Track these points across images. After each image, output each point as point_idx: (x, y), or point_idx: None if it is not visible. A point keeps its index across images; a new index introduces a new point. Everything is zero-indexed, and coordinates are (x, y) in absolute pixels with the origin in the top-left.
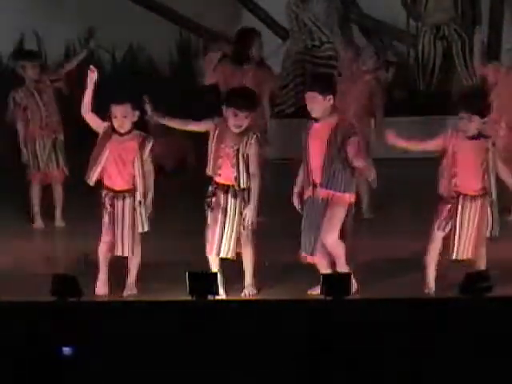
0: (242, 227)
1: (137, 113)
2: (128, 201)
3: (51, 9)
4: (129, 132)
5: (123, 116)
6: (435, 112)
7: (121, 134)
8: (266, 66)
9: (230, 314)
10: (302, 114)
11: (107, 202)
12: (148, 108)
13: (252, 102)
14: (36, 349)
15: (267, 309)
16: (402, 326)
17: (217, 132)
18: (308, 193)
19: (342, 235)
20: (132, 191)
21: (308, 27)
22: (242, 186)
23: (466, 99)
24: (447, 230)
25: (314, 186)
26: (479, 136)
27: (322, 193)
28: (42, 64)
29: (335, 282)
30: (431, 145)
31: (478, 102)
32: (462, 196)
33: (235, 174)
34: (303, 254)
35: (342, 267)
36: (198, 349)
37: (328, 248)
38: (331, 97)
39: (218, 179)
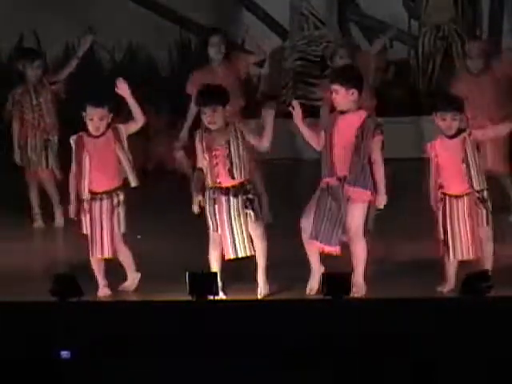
0: (250, 221)
1: (111, 115)
2: (105, 202)
3: (51, 9)
4: (103, 134)
5: (100, 119)
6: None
7: (95, 137)
8: (232, 58)
9: (230, 314)
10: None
11: (85, 206)
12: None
13: (212, 96)
14: (36, 349)
15: (267, 309)
16: (402, 325)
17: (204, 142)
18: (330, 182)
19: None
20: (110, 192)
21: (305, 17)
22: (236, 177)
23: (446, 99)
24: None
25: (338, 178)
26: (457, 133)
27: (349, 190)
28: (43, 65)
29: (335, 282)
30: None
31: (456, 99)
32: (447, 197)
33: (228, 166)
34: (320, 243)
35: (358, 278)
36: (197, 349)
37: (351, 244)
38: (355, 90)
39: (218, 185)
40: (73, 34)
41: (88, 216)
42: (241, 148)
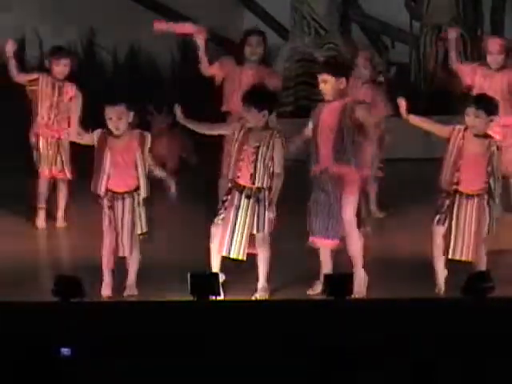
0: (255, 229)
1: (131, 113)
2: (128, 201)
3: (52, 9)
4: (125, 133)
5: (118, 118)
6: (436, 112)
7: (117, 136)
8: (266, 66)
9: (231, 315)
10: (302, 113)
11: (106, 203)
12: (178, 111)
13: (260, 101)
14: (36, 349)
15: (267, 309)
16: (402, 325)
17: (241, 133)
18: (316, 171)
19: (358, 223)
20: (132, 192)
21: (307, 20)
22: (256, 183)
23: (473, 96)
24: (446, 224)
25: (323, 167)
26: (487, 136)
27: (333, 168)
28: (71, 65)
29: (337, 282)
30: (438, 128)
31: (484, 99)
32: (458, 194)
33: (251, 170)
34: (317, 238)
35: (358, 268)
36: (198, 349)
37: (345, 229)
38: (343, 80)
39: (237, 180)
40: (74, 34)
41: (109, 213)
42: (268, 157)
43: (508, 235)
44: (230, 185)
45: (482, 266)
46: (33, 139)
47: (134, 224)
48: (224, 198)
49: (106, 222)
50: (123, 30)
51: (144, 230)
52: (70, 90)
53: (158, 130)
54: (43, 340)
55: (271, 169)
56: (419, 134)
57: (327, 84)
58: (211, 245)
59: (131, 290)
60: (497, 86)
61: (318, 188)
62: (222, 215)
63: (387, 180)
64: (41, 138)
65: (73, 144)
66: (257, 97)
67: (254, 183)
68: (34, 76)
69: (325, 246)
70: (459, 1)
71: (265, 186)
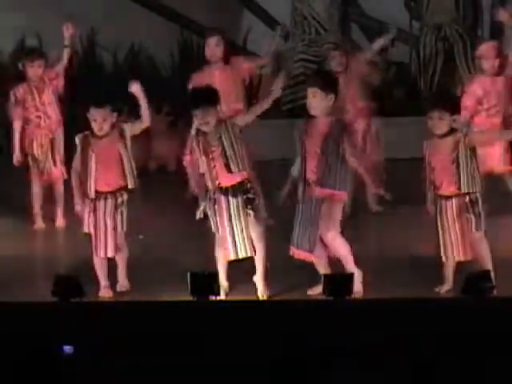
0: (250, 221)
1: (115, 114)
2: (109, 202)
3: (52, 8)
4: (107, 133)
5: (103, 119)
6: None
7: (99, 137)
8: (232, 61)
9: (231, 315)
10: (300, 113)
11: (90, 204)
12: None
13: (200, 98)
14: (36, 349)
15: (267, 309)
16: (402, 325)
17: (201, 145)
18: (302, 190)
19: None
20: (114, 192)
21: (307, 20)
22: (234, 169)
23: (436, 98)
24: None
25: (309, 183)
26: (449, 133)
27: (317, 191)
28: (44, 65)
29: (337, 283)
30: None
31: (447, 100)
32: (438, 198)
33: (224, 161)
34: (296, 251)
35: (350, 267)
36: (198, 349)
37: (330, 247)
38: (333, 96)
39: (219, 185)
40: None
41: (92, 215)
42: (234, 141)
43: (508, 235)
44: (212, 194)
45: (486, 264)
46: (26, 142)
47: (116, 223)
48: (212, 210)
49: (92, 228)
50: (123, 29)
51: (123, 229)
52: (47, 78)
53: (157, 130)
54: (43, 340)
55: (243, 154)
56: (419, 134)
57: (316, 98)
58: (216, 254)
59: (124, 285)
60: (501, 89)
61: (303, 201)
62: (216, 224)
63: (387, 180)
64: (34, 141)
65: (71, 142)
66: (207, 95)
67: (231, 172)
68: (13, 99)
69: (308, 259)
70: (459, 1)
71: (244, 176)
